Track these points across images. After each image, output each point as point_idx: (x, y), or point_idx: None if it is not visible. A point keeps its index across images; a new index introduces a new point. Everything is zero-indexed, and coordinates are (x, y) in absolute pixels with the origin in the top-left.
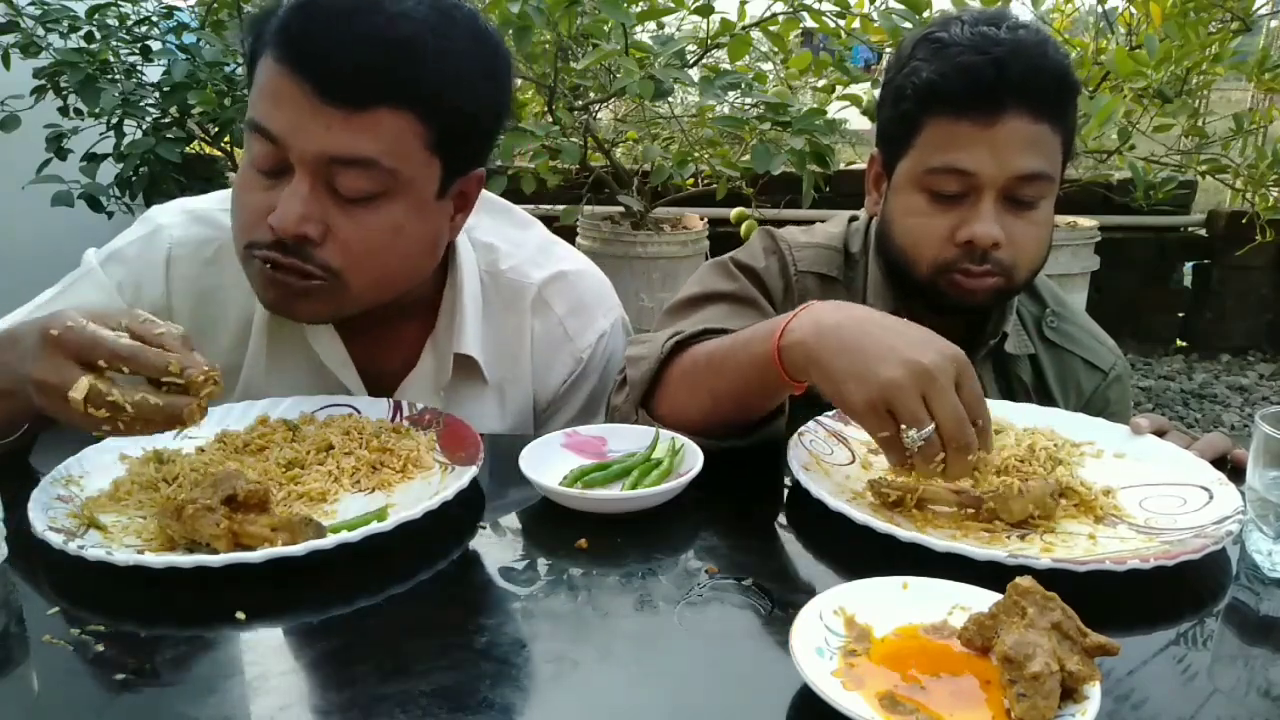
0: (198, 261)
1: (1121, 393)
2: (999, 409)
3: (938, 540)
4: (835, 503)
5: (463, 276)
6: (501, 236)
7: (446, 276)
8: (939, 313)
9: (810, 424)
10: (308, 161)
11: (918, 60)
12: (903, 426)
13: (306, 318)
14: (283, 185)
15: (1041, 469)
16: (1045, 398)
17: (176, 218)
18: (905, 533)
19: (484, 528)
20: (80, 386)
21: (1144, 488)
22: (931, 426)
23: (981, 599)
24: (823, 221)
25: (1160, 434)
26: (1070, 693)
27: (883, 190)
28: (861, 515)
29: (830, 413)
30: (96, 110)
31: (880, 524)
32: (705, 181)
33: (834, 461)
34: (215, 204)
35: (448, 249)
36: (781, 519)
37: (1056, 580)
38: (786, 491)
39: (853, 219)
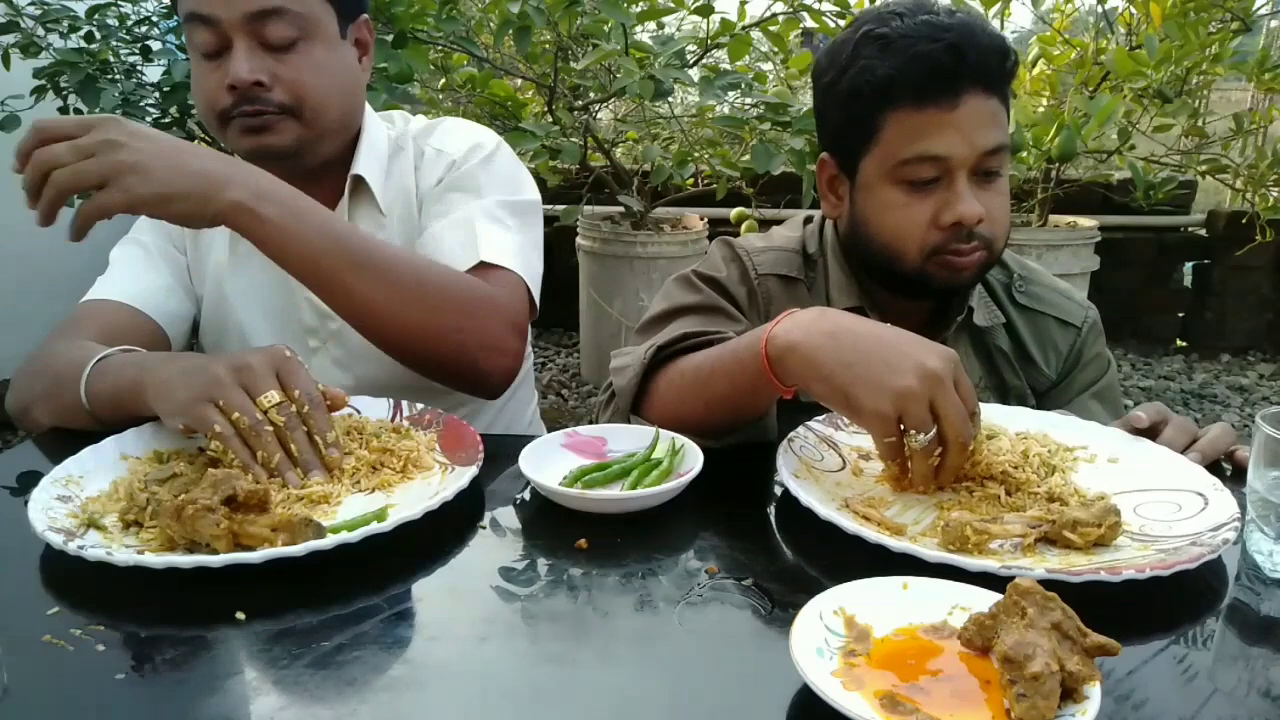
0: None
1: (1097, 340)
2: (992, 414)
3: (929, 551)
4: (825, 511)
5: (371, 135)
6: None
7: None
8: (921, 298)
9: (800, 429)
10: (238, 24)
11: (866, 59)
12: (911, 432)
13: (276, 148)
14: (226, 62)
15: (1035, 475)
16: (1026, 362)
17: None
18: (896, 543)
19: (484, 528)
20: (272, 397)
21: (1138, 493)
22: (934, 430)
23: (981, 599)
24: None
25: (1163, 424)
26: (1070, 693)
27: (842, 193)
28: (852, 525)
29: (820, 417)
30: (96, 110)
31: (871, 534)
32: (705, 181)
33: (824, 468)
34: None
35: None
36: (782, 519)
37: (1053, 586)
38: (784, 493)
39: (808, 220)
